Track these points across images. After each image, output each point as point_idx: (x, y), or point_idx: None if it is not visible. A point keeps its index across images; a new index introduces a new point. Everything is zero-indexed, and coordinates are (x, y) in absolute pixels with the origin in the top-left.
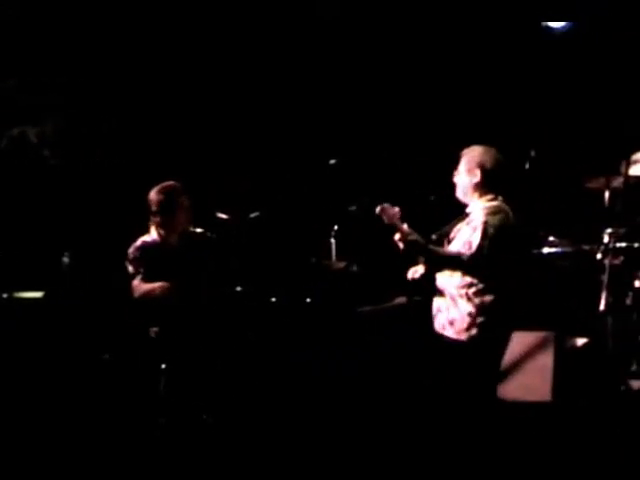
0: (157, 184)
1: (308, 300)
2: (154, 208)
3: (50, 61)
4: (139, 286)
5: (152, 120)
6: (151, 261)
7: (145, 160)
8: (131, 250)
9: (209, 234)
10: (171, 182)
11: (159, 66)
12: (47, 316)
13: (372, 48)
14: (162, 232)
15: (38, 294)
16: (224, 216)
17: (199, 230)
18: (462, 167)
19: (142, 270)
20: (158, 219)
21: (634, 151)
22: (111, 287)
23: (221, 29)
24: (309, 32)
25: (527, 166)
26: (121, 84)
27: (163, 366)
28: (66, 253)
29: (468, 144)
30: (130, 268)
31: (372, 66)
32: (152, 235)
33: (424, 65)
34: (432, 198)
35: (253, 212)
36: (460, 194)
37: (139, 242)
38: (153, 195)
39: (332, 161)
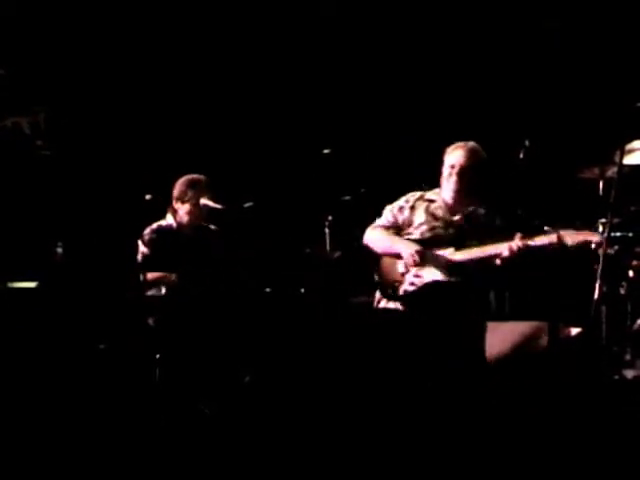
0: (149, 173)
1: (302, 290)
2: (174, 196)
3: (42, 50)
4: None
5: (144, 110)
6: (165, 244)
7: (138, 149)
8: (147, 232)
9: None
10: (198, 175)
11: (150, 57)
12: (41, 306)
13: (366, 37)
14: (177, 220)
15: (31, 284)
16: (217, 205)
17: (212, 227)
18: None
19: (155, 252)
20: (175, 207)
21: (628, 140)
22: (106, 277)
23: (207, 20)
24: (300, 24)
25: (521, 156)
26: (114, 74)
27: (158, 356)
28: (60, 243)
29: (463, 134)
30: (145, 249)
31: (365, 56)
32: (168, 220)
33: (417, 55)
34: (425, 187)
35: (247, 202)
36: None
37: (155, 225)
38: (177, 184)
39: (326, 150)
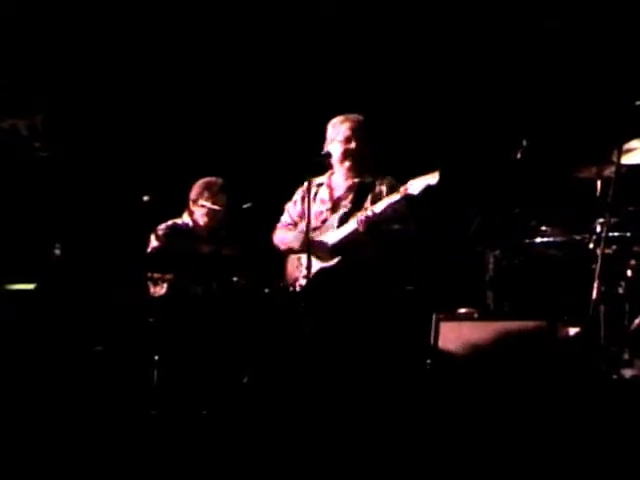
0: (147, 174)
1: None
2: (191, 198)
3: (40, 52)
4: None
5: (142, 110)
6: (177, 241)
7: (136, 150)
8: (162, 226)
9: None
10: (214, 178)
11: (147, 57)
12: (39, 308)
13: (365, 38)
14: (193, 219)
15: (29, 286)
16: (215, 207)
17: (224, 232)
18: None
19: (166, 248)
20: (192, 209)
21: (626, 140)
22: (104, 278)
23: (207, 22)
24: (292, 28)
25: (519, 155)
26: (111, 76)
27: (156, 358)
28: (57, 244)
29: (459, 133)
30: (156, 242)
31: (364, 56)
32: (184, 219)
33: (416, 54)
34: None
35: (245, 202)
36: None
37: (170, 222)
38: (194, 186)
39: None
